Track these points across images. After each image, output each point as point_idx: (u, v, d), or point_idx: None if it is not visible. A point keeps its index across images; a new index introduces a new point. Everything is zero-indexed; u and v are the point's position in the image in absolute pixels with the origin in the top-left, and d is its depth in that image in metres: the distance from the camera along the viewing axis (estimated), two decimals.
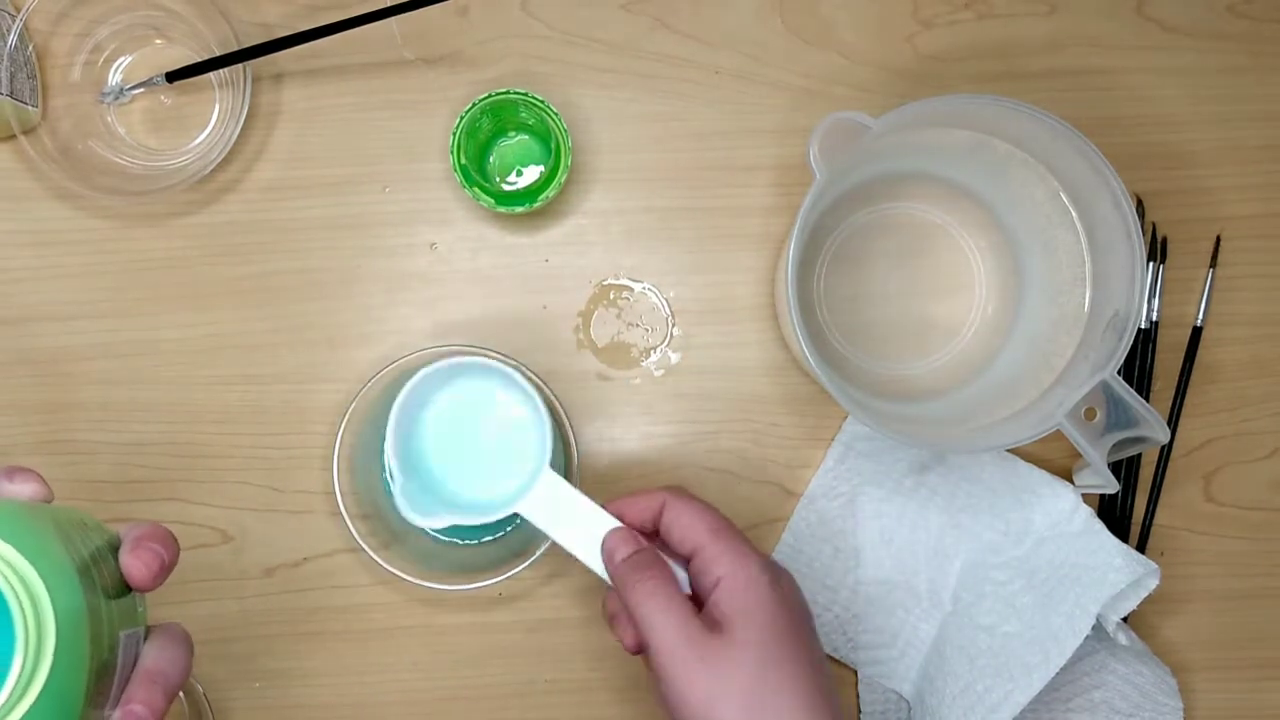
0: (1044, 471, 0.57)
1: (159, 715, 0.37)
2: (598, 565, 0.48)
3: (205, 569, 0.58)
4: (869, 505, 0.58)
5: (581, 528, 0.49)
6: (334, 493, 0.53)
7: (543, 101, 0.54)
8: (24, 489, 0.38)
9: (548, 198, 0.55)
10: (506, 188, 0.57)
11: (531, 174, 0.58)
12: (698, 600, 0.46)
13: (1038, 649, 0.53)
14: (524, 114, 0.56)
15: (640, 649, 0.47)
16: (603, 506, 0.49)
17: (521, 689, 0.58)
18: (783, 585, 0.45)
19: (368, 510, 0.55)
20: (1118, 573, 0.53)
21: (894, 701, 0.58)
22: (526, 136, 0.58)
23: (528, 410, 0.51)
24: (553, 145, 0.55)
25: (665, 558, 0.47)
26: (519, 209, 0.55)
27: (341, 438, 0.54)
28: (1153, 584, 0.54)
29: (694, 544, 0.46)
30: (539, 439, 0.50)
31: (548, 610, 0.58)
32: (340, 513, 0.53)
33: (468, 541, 0.57)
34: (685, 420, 0.58)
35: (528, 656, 0.58)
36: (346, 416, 0.54)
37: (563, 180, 0.55)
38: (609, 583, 0.48)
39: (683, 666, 0.43)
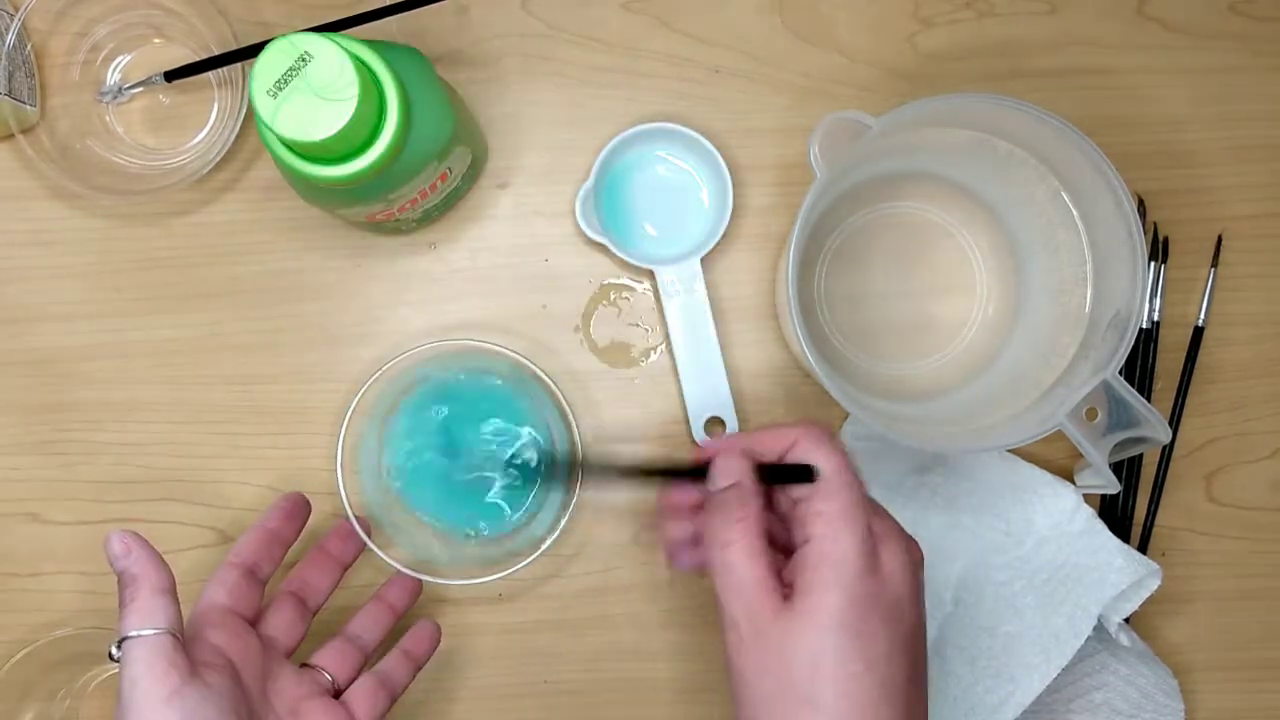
0: (1045, 472, 0.57)
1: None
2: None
3: (204, 569, 0.58)
4: None
5: None
6: (338, 492, 0.53)
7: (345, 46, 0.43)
8: None
9: (378, 162, 0.45)
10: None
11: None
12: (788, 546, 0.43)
13: (1039, 649, 0.53)
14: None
15: (699, 570, 0.44)
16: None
17: (521, 689, 0.58)
18: (881, 571, 0.41)
19: (371, 510, 0.55)
20: (1119, 573, 0.53)
21: None
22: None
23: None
24: (376, 95, 0.44)
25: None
26: (328, 170, 0.45)
27: (344, 436, 0.54)
28: (1154, 584, 0.54)
29: (803, 492, 0.42)
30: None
31: (548, 610, 0.58)
32: (346, 512, 0.53)
33: (469, 534, 0.57)
34: (685, 420, 0.58)
35: (528, 656, 0.58)
36: (349, 413, 0.54)
37: (402, 136, 0.45)
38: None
39: (740, 641, 0.40)
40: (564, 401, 0.54)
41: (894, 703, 0.39)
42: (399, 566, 0.53)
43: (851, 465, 0.42)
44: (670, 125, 0.57)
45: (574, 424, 0.55)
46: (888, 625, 0.40)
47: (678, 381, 0.58)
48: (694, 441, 0.58)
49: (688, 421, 0.58)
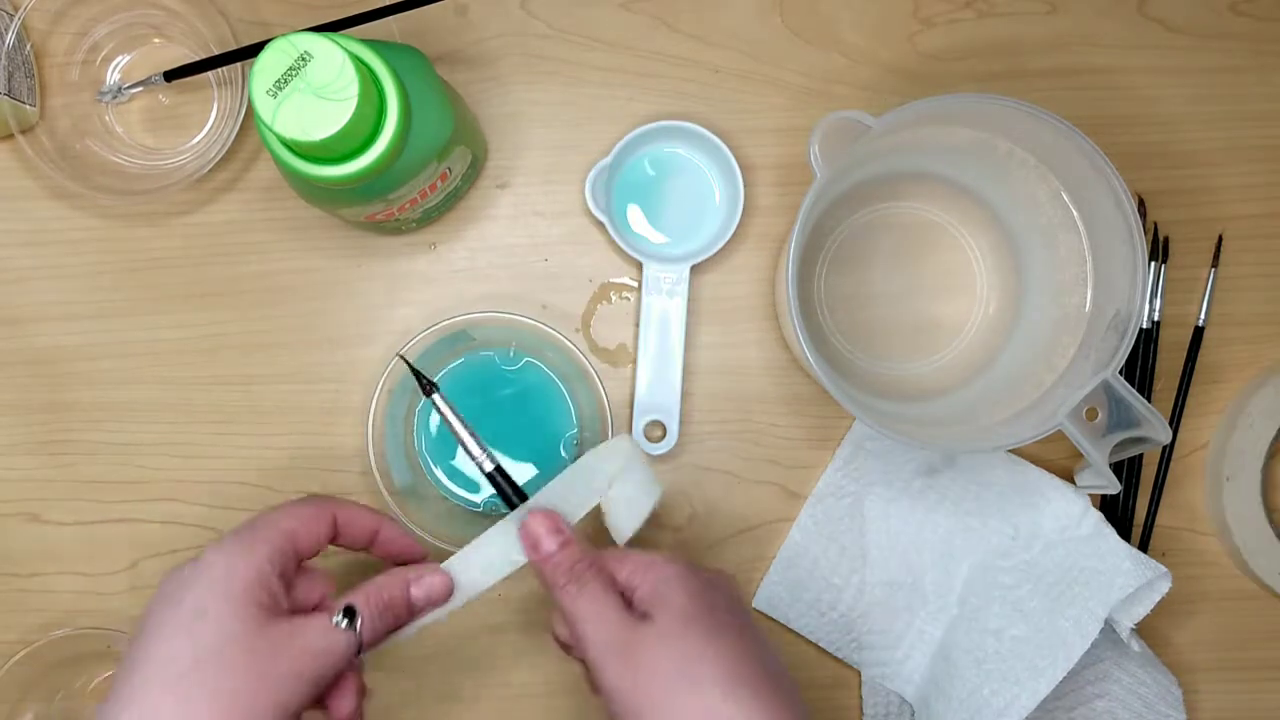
0: (1053, 475, 0.56)
1: None
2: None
3: None
4: (877, 505, 0.57)
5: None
6: (370, 471, 0.53)
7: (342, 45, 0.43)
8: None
9: (382, 159, 0.45)
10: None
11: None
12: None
13: (1045, 653, 0.52)
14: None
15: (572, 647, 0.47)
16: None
17: (521, 690, 0.58)
18: (701, 572, 0.45)
19: (394, 483, 0.56)
20: (1126, 576, 0.53)
21: (897, 704, 0.58)
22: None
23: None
24: (376, 95, 0.44)
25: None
26: (330, 170, 0.45)
27: (374, 409, 0.54)
28: (1165, 588, 0.53)
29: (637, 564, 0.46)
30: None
31: (547, 611, 0.58)
32: (380, 492, 0.53)
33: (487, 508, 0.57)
34: (685, 420, 0.58)
35: (527, 657, 0.58)
36: (382, 382, 0.54)
37: (404, 134, 0.45)
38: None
39: (613, 659, 0.42)
40: (595, 375, 0.55)
41: (761, 670, 0.42)
42: (418, 531, 0.53)
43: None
44: (690, 125, 0.56)
45: (604, 398, 0.55)
46: (730, 611, 0.44)
47: (633, 374, 0.58)
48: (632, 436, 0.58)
49: (630, 417, 0.58)
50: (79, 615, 0.58)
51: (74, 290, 0.58)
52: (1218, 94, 0.59)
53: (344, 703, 0.44)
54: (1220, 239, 0.59)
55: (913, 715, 0.58)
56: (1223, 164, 0.59)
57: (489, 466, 0.48)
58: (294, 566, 0.44)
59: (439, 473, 0.57)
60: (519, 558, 0.47)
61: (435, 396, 0.48)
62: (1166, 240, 0.59)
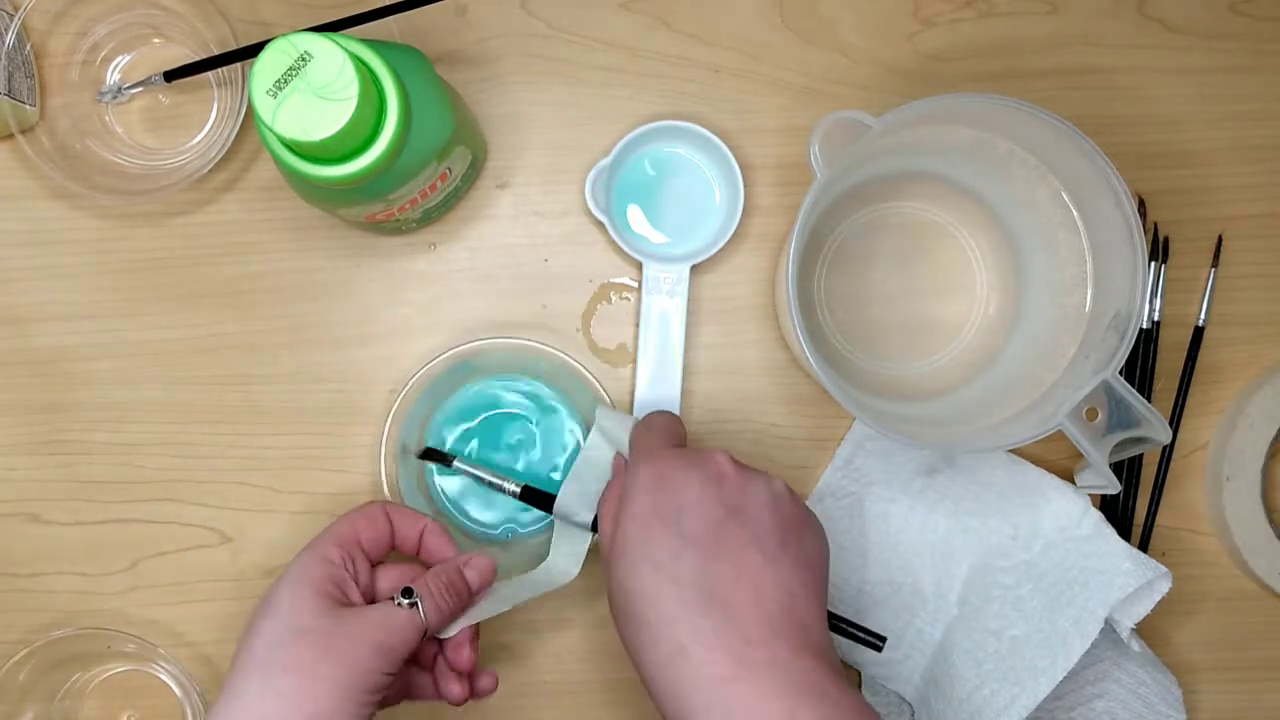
0: (1053, 475, 0.56)
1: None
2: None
3: (203, 570, 0.58)
4: (877, 506, 0.57)
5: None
6: (379, 483, 0.53)
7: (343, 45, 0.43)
8: None
9: (381, 160, 0.45)
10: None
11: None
12: None
13: (1045, 653, 0.52)
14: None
15: None
16: None
17: (521, 689, 0.58)
18: (666, 488, 0.45)
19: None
20: (1126, 576, 0.53)
21: (896, 704, 0.58)
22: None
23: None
24: (376, 95, 0.44)
25: None
26: (328, 171, 0.45)
27: (389, 429, 0.55)
28: (1165, 588, 0.53)
29: None
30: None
31: (547, 611, 0.58)
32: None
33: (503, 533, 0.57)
34: (685, 420, 0.58)
35: (527, 657, 0.58)
36: (394, 407, 0.54)
37: (403, 135, 0.45)
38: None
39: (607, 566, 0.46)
40: (608, 400, 0.55)
41: (682, 596, 0.43)
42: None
43: (641, 435, 0.51)
44: (690, 125, 0.56)
45: (604, 396, 0.55)
46: (667, 530, 0.44)
47: (633, 374, 0.58)
48: None
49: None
50: (79, 615, 0.58)
51: (74, 290, 0.58)
52: (1218, 94, 0.59)
53: (461, 653, 0.50)
54: (1220, 239, 0.59)
55: (913, 715, 0.58)
56: (1223, 164, 0.59)
57: (517, 492, 0.53)
58: (364, 562, 0.49)
59: (452, 509, 0.57)
60: (581, 547, 0.52)
61: (457, 463, 0.54)
62: (1166, 240, 0.59)
